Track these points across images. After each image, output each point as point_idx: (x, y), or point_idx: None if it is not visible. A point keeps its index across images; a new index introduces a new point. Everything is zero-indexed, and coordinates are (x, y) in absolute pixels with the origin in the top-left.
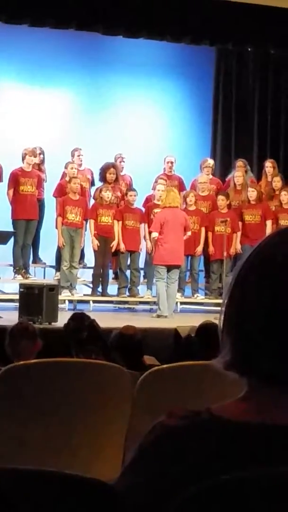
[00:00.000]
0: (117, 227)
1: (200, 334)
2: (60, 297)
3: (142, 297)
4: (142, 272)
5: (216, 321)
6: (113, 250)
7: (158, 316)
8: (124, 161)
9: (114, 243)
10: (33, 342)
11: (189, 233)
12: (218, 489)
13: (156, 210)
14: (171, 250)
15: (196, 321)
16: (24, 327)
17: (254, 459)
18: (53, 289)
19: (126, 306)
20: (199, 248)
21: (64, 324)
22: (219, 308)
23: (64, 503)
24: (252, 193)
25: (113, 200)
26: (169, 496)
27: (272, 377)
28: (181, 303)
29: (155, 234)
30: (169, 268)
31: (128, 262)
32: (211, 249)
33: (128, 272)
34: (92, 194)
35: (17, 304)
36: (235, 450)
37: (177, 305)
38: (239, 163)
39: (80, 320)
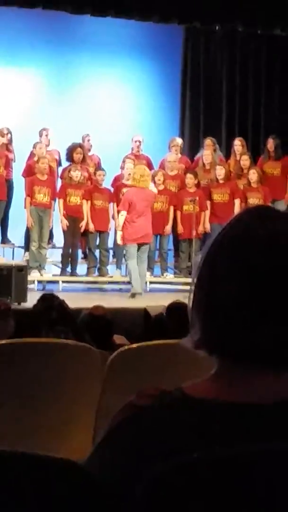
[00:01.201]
0: (86, 207)
1: (170, 313)
2: (29, 278)
3: (111, 277)
4: (111, 252)
5: (186, 300)
6: (82, 230)
7: (133, 295)
8: (91, 141)
9: (83, 223)
10: (6, 322)
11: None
12: (187, 467)
13: (125, 190)
14: (140, 228)
15: (165, 300)
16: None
17: (224, 437)
18: (22, 270)
19: (96, 286)
20: (168, 227)
21: (33, 305)
22: (188, 287)
23: (35, 483)
24: (220, 172)
25: (82, 180)
26: (139, 474)
27: (241, 355)
28: (151, 282)
29: (123, 213)
30: (138, 247)
31: (97, 242)
32: (179, 228)
33: (97, 252)
34: (59, 174)
35: None
36: (205, 429)
37: (146, 285)
38: (208, 141)
39: (49, 300)
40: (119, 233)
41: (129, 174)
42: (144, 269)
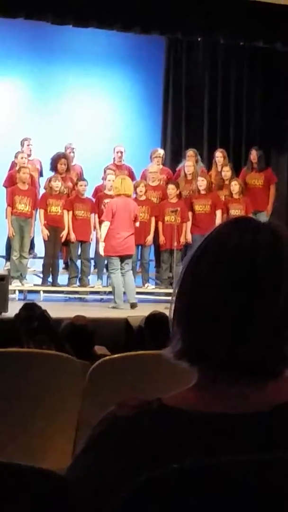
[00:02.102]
0: (67, 217)
1: (149, 324)
2: (10, 287)
3: (92, 287)
4: (92, 262)
5: (167, 311)
6: (63, 240)
7: (114, 308)
8: (74, 151)
9: (64, 233)
10: None
11: (137, 224)
12: (168, 478)
13: (106, 200)
14: (122, 240)
15: (147, 311)
16: None
17: (204, 448)
18: (3, 279)
19: (77, 296)
20: (150, 238)
21: (15, 314)
22: (169, 298)
23: (14, 493)
24: (202, 183)
25: (63, 190)
26: (119, 485)
27: (222, 365)
28: None
29: (106, 223)
30: (122, 259)
31: (79, 252)
32: (161, 239)
33: (78, 262)
34: (40, 184)
35: None
36: (185, 440)
37: (126, 295)
38: (190, 152)
39: (31, 310)
40: (102, 244)
41: (111, 185)
42: (130, 277)
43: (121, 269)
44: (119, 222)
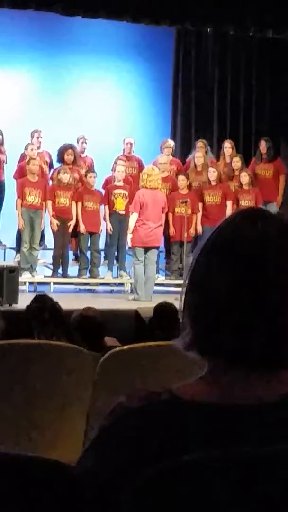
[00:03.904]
0: (76, 209)
1: (157, 314)
2: (20, 279)
3: (102, 278)
4: (102, 254)
5: (177, 302)
6: (70, 230)
7: (135, 299)
8: (86, 143)
9: (72, 223)
10: None
11: (163, 216)
12: (178, 469)
13: (116, 191)
14: (151, 231)
15: (156, 302)
16: None
17: (214, 439)
18: (13, 271)
19: (87, 287)
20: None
21: (26, 306)
22: (179, 289)
23: (25, 485)
24: (213, 174)
25: (71, 181)
26: (129, 477)
27: (232, 356)
28: None
29: (135, 215)
30: (147, 249)
31: (89, 244)
32: (171, 230)
33: (88, 254)
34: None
35: None
36: (195, 431)
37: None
38: (200, 143)
39: (42, 301)
40: (129, 236)
41: (121, 176)
42: (153, 271)
43: (145, 259)
44: (147, 213)
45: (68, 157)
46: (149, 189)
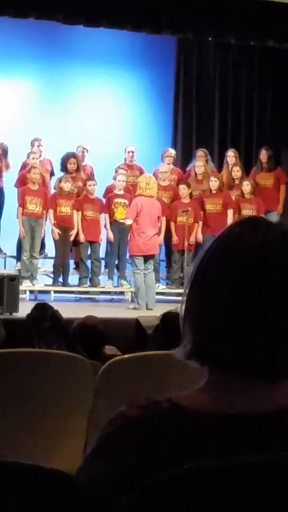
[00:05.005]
0: (77, 217)
1: (164, 323)
2: (21, 288)
3: (103, 287)
4: (103, 262)
5: (178, 311)
6: (71, 239)
7: (135, 308)
8: (86, 151)
9: (73, 232)
10: None
11: (159, 224)
12: (178, 479)
13: (116, 200)
14: (148, 239)
15: (157, 311)
16: None
17: (215, 448)
18: (14, 280)
19: (87, 296)
20: (160, 238)
21: (27, 314)
22: (180, 298)
23: (24, 494)
24: (214, 183)
25: (73, 190)
26: (129, 486)
27: (232, 366)
28: None
29: (129, 221)
30: (145, 259)
31: (89, 252)
32: (174, 239)
33: (89, 262)
34: (51, 184)
35: None
36: (195, 440)
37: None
38: (200, 153)
39: (43, 310)
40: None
41: (122, 185)
42: (152, 280)
43: (144, 269)
44: (144, 221)
45: (71, 166)
46: (146, 197)
